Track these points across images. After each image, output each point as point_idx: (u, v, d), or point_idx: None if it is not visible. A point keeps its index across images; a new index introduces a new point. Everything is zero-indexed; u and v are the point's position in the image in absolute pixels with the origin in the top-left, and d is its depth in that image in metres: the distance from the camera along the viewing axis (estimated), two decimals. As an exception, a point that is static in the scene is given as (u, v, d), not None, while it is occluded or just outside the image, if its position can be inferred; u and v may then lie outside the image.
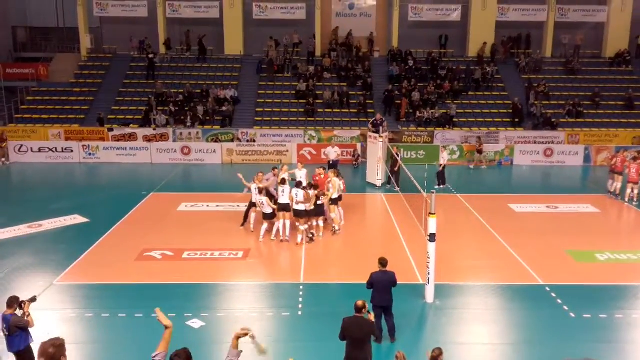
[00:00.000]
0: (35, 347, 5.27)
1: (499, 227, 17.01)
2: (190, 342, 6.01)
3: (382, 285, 10.12)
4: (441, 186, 21.61)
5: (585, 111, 29.72)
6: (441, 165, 22.18)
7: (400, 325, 10.46)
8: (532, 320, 11.37)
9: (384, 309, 10.23)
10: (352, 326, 8.31)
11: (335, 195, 16.21)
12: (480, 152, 26.55)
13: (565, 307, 11.82)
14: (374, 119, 23.63)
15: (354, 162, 26.14)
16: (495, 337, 10.92)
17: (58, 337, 5.11)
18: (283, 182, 15.79)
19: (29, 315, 8.38)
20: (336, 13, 34.30)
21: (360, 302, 8.42)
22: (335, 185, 16.21)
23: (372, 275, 10.22)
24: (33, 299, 8.65)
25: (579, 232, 16.85)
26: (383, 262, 10.33)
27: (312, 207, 15.41)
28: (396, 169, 21.62)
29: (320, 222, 16.07)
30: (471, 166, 26.44)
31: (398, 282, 10.29)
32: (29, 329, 8.44)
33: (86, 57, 33.38)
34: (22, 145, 26.72)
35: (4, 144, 26.25)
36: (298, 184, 15.68)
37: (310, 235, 15.69)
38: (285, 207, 15.44)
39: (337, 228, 16.35)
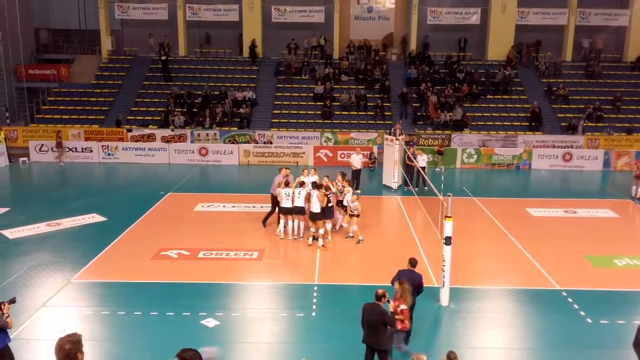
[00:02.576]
0: (46, 346, 5.34)
1: (515, 231, 16.86)
2: (204, 341, 6.06)
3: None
4: (415, 189, 21.13)
5: (605, 115, 29.36)
6: (422, 167, 21.20)
7: (415, 328, 10.39)
8: (548, 325, 11.23)
9: None
10: (366, 310, 8.68)
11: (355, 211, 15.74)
12: (440, 153, 26.11)
13: (582, 313, 11.68)
14: (393, 127, 23.09)
15: (370, 165, 26.08)
16: (510, 341, 10.82)
17: (75, 332, 5.14)
18: (302, 184, 15.77)
19: (8, 316, 8.36)
20: (354, 16, 34.35)
21: (380, 291, 8.77)
22: (359, 208, 15.72)
23: (399, 272, 10.20)
24: (12, 301, 8.59)
25: (597, 237, 16.62)
26: (413, 262, 10.36)
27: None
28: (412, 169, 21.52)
29: (328, 226, 15.70)
30: (437, 169, 25.46)
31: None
32: (7, 330, 8.42)
33: (107, 58, 33.85)
34: (42, 145, 27.16)
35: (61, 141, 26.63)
36: (318, 186, 15.59)
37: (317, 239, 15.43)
38: (300, 210, 15.41)
39: (360, 238, 15.97)
